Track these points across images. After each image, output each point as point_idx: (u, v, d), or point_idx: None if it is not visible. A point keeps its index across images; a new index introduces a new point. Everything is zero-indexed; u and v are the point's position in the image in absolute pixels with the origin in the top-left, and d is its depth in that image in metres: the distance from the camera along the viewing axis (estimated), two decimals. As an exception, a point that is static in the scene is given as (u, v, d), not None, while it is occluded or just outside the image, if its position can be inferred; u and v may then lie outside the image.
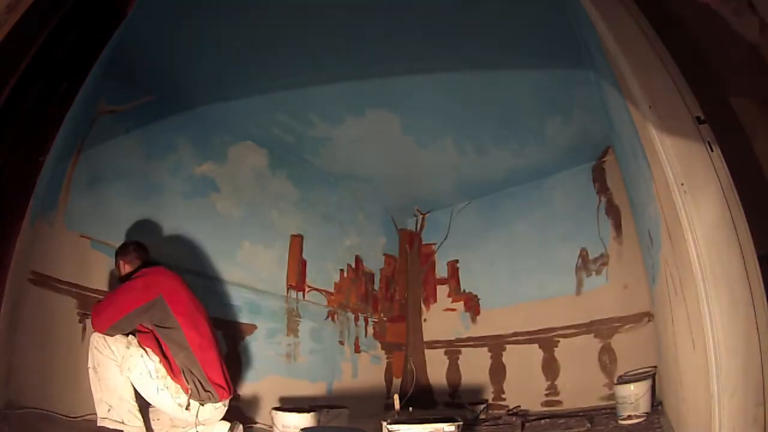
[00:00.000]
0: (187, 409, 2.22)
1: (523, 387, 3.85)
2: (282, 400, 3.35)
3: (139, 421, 2.18)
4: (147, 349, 2.23)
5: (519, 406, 3.73)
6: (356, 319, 4.30)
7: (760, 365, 1.14)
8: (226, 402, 2.37)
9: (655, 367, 2.97)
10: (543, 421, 3.07)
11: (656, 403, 2.76)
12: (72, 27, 1.74)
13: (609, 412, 2.97)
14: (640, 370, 3.06)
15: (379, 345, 4.45)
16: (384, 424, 2.24)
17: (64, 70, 1.84)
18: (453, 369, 4.37)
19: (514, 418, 3.26)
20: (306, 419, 2.60)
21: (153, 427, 2.36)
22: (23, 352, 2.19)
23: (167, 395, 2.20)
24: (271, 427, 2.70)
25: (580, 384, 3.53)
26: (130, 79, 2.93)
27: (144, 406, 2.25)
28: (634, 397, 2.74)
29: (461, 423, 2.20)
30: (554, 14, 2.44)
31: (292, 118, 3.48)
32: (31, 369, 2.23)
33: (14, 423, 2.03)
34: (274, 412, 2.68)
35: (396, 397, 3.29)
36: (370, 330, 4.41)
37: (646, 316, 3.24)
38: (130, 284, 2.29)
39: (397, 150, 3.85)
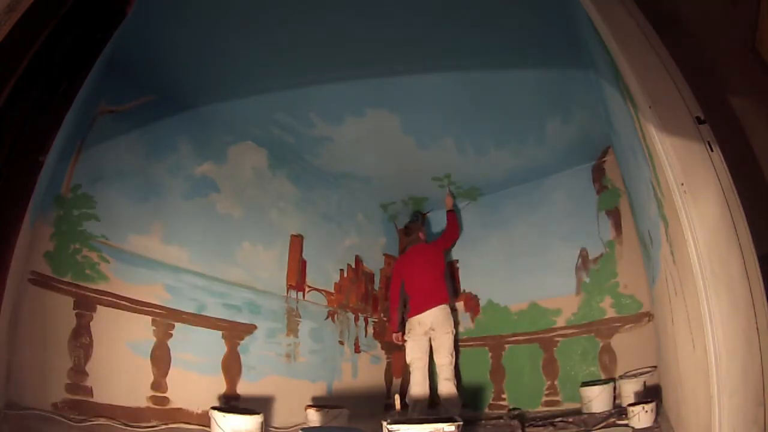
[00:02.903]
0: None
1: (523, 387, 3.85)
2: (282, 400, 3.35)
3: None
4: None
5: (518, 408, 3.73)
6: (356, 319, 4.30)
7: (760, 365, 1.14)
8: None
9: (655, 366, 2.98)
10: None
11: (615, 407, 3.01)
12: (72, 27, 1.74)
13: (609, 412, 2.97)
14: (640, 370, 3.07)
15: (379, 345, 4.45)
16: (384, 424, 2.24)
17: (64, 70, 1.84)
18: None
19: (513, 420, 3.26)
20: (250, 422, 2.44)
21: None
22: (23, 352, 2.18)
23: None
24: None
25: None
26: (130, 79, 2.93)
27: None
28: (587, 399, 3.12)
29: (461, 423, 2.20)
30: (554, 14, 2.45)
31: (292, 118, 3.47)
32: (30, 369, 2.23)
33: (14, 423, 2.03)
34: (213, 411, 2.49)
35: (396, 397, 3.30)
36: (370, 330, 4.41)
37: (646, 316, 3.24)
38: None
39: (397, 150, 3.85)
